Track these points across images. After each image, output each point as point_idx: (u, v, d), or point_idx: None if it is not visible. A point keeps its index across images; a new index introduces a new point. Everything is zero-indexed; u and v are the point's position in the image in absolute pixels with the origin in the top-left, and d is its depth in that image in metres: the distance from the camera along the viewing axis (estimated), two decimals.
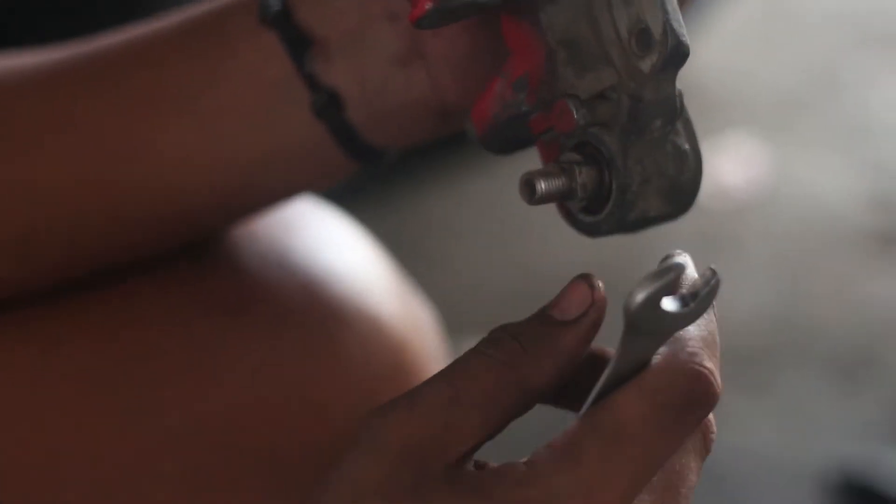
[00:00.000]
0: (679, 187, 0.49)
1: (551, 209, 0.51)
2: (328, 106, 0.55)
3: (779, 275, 1.63)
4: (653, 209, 0.49)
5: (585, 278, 0.45)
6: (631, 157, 0.48)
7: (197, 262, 0.61)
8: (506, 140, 0.52)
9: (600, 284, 0.45)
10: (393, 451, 0.42)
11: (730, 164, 1.75)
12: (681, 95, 0.48)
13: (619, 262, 1.52)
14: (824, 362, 1.52)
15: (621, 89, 0.48)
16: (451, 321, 0.87)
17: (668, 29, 0.46)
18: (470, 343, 0.45)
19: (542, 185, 0.47)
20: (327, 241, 0.65)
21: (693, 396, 0.41)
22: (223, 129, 0.56)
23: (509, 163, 0.65)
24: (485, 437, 0.43)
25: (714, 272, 0.42)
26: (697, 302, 0.41)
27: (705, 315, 0.43)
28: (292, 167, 0.57)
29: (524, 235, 1.64)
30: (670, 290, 0.41)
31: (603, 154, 0.48)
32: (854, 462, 1.35)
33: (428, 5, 0.47)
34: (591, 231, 0.49)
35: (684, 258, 0.44)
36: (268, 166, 0.56)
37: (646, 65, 0.47)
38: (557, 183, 0.47)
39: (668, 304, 0.40)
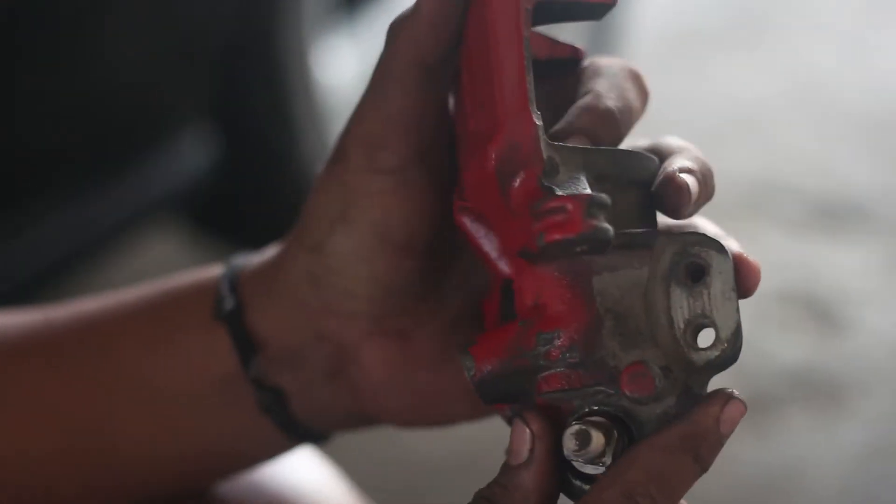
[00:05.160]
0: None
1: None
2: (273, 403, 0.57)
3: None
4: None
5: (520, 416, 0.48)
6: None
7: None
8: (503, 390, 0.48)
9: (534, 416, 0.48)
10: None
11: None
12: None
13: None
14: None
15: (673, 374, 0.47)
16: None
17: (739, 332, 0.47)
18: None
19: (594, 438, 0.45)
20: (286, 460, 0.66)
21: None
22: (176, 421, 0.58)
23: None
24: None
25: None
26: None
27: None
28: (241, 451, 0.60)
29: None
30: None
31: (631, 430, 0.47)
32: None
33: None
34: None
35: None
36: (216, 452, 0.59)
37: (700, 358, 0.47)
38: (599, 442, 0.46)
39: None
